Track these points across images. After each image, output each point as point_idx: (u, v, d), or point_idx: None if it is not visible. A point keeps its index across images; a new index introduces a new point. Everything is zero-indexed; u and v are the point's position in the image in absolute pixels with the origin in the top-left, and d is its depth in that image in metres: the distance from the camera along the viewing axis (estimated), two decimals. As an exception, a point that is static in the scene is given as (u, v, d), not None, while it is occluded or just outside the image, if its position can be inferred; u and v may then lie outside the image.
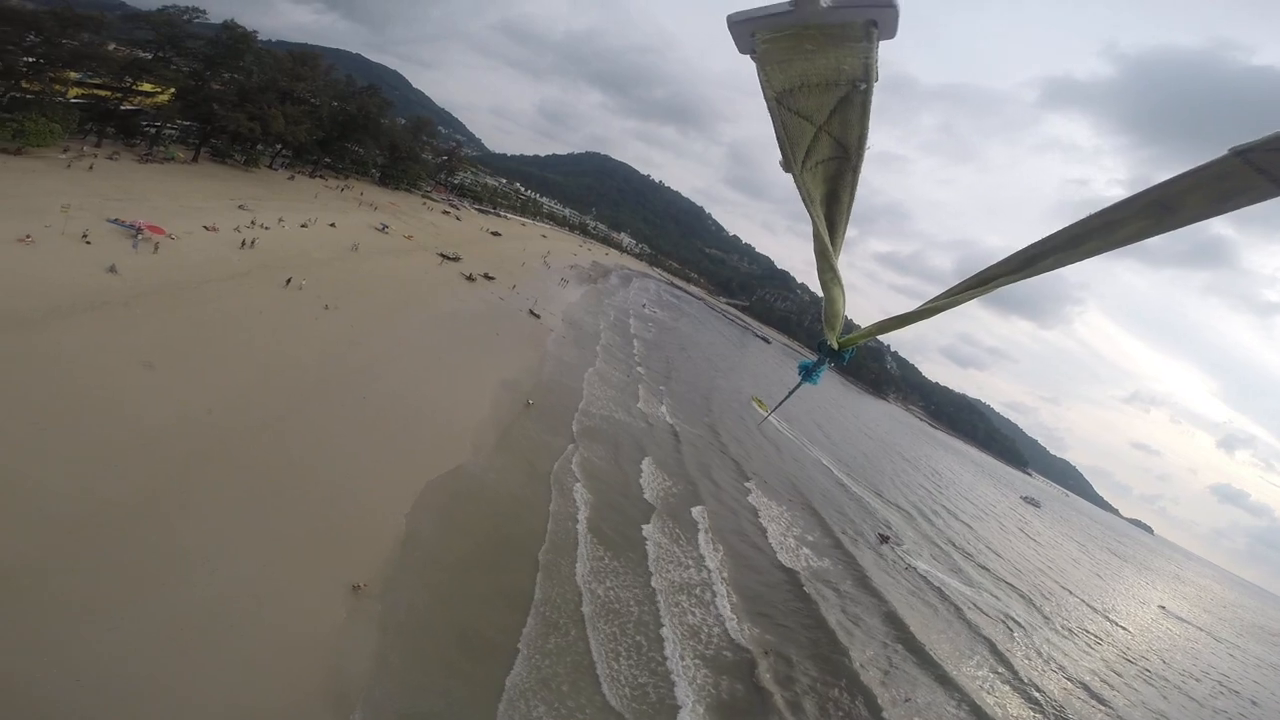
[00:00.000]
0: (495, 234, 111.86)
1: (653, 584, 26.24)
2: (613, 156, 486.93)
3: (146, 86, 57.38)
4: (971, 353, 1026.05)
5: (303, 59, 71.65)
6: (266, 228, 47.25)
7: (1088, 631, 53.56)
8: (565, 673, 18.95)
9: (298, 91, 68.58)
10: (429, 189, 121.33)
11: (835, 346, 2.50)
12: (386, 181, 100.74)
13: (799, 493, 51.09)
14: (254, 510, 19.32)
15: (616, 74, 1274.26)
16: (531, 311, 66.55)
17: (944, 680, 30.91)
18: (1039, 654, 41.62)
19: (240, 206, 49.71)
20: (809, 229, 1.82)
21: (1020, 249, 1.65)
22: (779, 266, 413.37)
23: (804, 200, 1.69)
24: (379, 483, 24.34)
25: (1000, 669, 36.07)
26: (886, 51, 1.36)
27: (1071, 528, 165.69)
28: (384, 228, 67.93)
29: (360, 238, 59.06)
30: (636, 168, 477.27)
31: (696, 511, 35.32)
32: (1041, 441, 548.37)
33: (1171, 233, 1.42)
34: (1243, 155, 1.17)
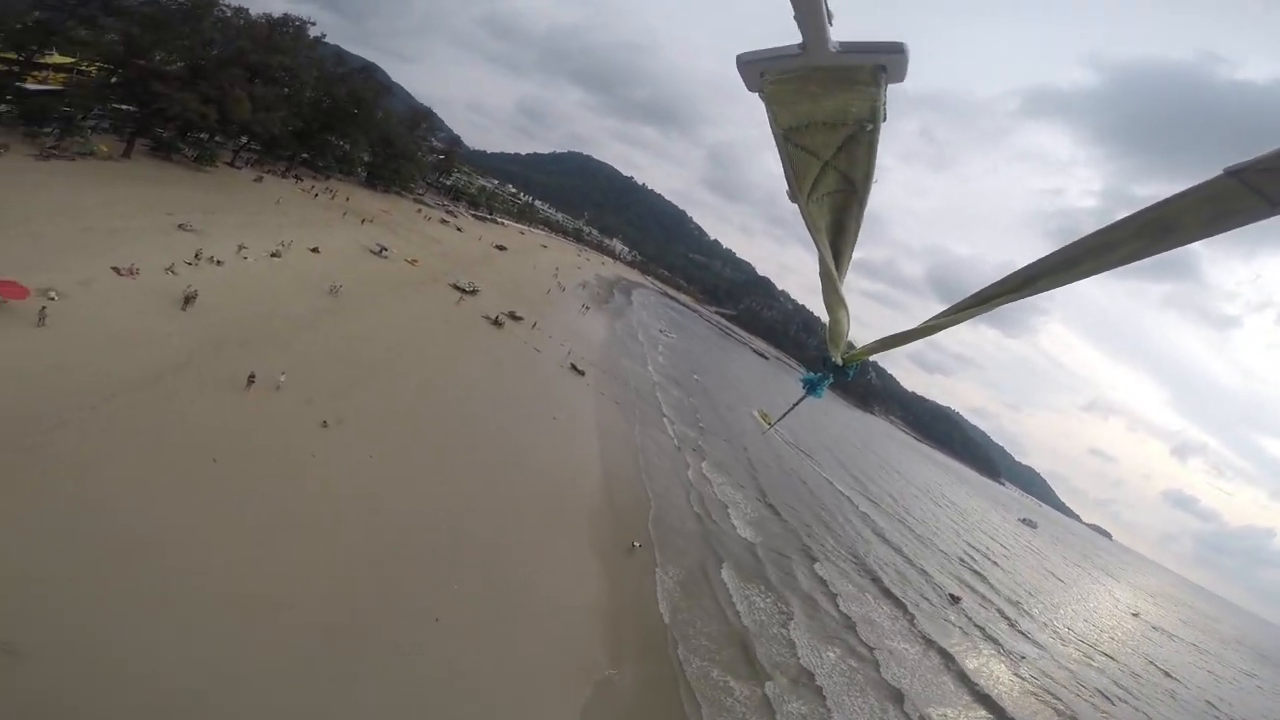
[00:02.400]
0: (501, 248, 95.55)
1: None
2: (594, 156, 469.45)
3: (57, 58, 41.00)
4: (939, 359, 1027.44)
5: (283, 24, 54.68)
6: (219, 262, 31.23)
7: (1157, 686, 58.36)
8: None
9: (273, 68, 51.79)
10: (421, 191, 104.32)
11: (840, 363, 2.41)
12: (374, 183, 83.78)
13: (867, 569, 50.81)
14: None
15: (600, 71, 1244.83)
16: (574, 367, 51.66)
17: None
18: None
19: (181, 226, 33.46)
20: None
21: (1019, 269, 1.59)
22: (760, 273, 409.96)
23: (809, 229, 1.66)
24: None
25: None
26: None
27: (1067, 548, 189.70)
28: (382, 250, 51.72)
29: (354, 268, 43.13)
30: (618, 168, 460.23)
31: (804, 654, 29.49)
32: (1007, 448, 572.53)
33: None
34: (1237, 175, 1.13)
